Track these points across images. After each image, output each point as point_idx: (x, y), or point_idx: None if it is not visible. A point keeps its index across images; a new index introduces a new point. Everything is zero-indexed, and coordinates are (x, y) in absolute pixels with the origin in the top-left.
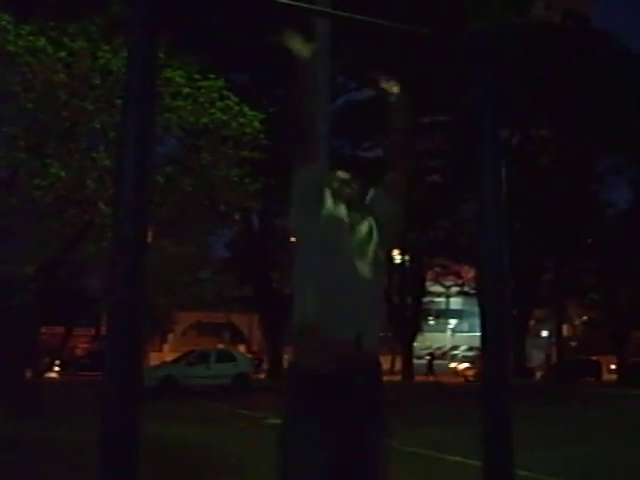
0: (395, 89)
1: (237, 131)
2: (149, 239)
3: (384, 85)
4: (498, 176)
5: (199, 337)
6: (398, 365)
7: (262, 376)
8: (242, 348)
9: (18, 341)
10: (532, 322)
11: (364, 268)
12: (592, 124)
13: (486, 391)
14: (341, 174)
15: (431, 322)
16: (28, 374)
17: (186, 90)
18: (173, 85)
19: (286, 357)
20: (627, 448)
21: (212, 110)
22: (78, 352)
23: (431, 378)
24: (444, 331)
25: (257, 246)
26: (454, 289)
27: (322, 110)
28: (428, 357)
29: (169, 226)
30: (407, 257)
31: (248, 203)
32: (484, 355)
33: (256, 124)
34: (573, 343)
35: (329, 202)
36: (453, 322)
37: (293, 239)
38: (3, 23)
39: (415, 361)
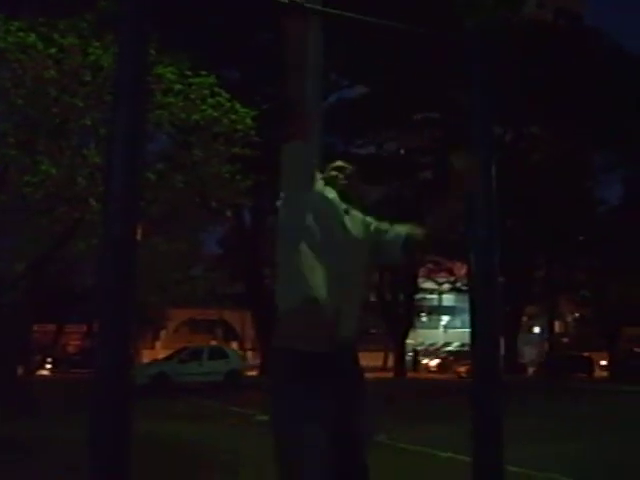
0: (463, 162)
1: (228, 128)
2: (139, 236)
3: (453, 158)
4: (489, 173)
5: (192, 334)
6: (390, 362)
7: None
8: (235, 345)
9: (9, 339)
10: (524, 318)
11: (347, 256)
12: (584, 121)
13: (476, 387)
14: (340, 163)
15: (423, 319)
16: (20, 372)
17: (177, 87)
18: (164, 82)
19: None
20: (618, 444)
21: (203, 107)
22: (70, 349)
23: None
24: (437, 328)
25: (249, 243)
26: (446, 286)
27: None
28: (411, 354)
29: (160, 223)
30: None
31: (239, 200)
32: (474, 351)
33: (248, 121)
34: (565, 339)
35: (319, 184)
36: (446, 319)
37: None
38: None
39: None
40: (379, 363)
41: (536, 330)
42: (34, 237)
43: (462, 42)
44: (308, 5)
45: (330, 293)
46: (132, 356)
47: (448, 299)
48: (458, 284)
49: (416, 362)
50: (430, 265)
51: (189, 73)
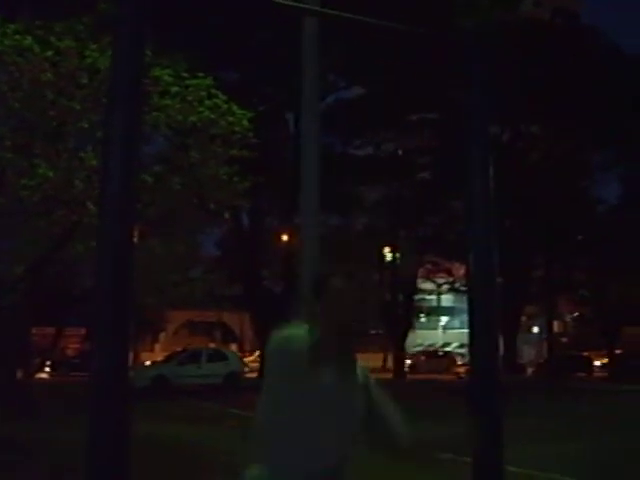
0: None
1: (226, 129)
2: (136, 238)
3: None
4: (486, 173)
5: (190, 336)
6: (390, 362)
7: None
8: (234, 347)
9: (8, 341)
10: (523, 318)
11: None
12: (581, 120)
13: (475, 387)
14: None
15: (422, 319)
16: (19, 374)
17: (174, 89)
18: (161, 84)
19: None
20: (618, 444)
21: (200, 109)
22: (69, 352)
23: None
24: (436, 328)
25: (247, 244)
26: (445, 286)
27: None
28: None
29: (158, 225)
30: (398, 254)
31: (237, 201)
32: (473, 351)
33: (245, 122)
34: (564, 339)
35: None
36: (444, 319)
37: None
38: None
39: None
40: (378, 364)
41: (535, 330)
42: (32, 240)
43: (460, 42)
44: (306, 6)
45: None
46: (130, 358)
47: (447, 300)
48: (457, 284)
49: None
50: (428, 266)
51: (186, 75)
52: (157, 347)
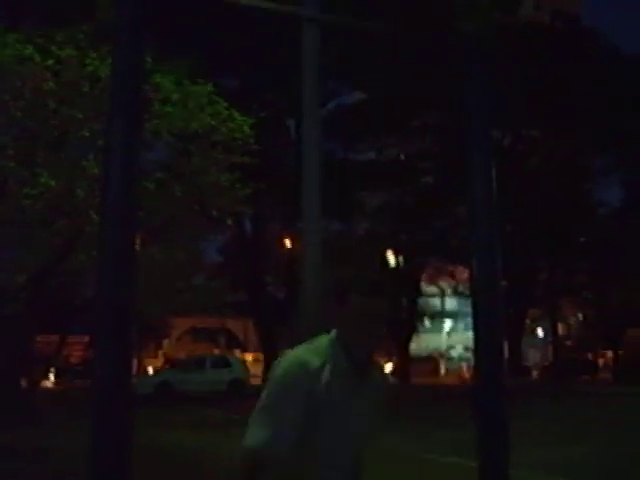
0: None
1: (227, 136)
2: (138, 246)
3: None
4: (489, 177)
5: (194, 343)
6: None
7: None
8: (238, 353)
9: (12, 350)
10: (527, 321)
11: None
12: (582, 123)
13: (480, 391)
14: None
15: (427, 323)
16: (23, 383)
17: (175, 96)
18: (162, 91)
19: None
20: (623, 447)
21: (201, 115)
22: (73, 360)
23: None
24: (440, 332)
25: (250, 250)
26: (449, 290)
27: (314, 115)
28: None
29: (160, 232)
30: (401, 258)
31: (239, 208)
32: (477, 355)
33: (246, 129)
34: (568, 342)
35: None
36: (449, 323)
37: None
38: None
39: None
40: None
41: (539, 333)
42: (35, 249)
43: (460, 45)
44: (306, 13)
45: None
46: (132, 365)
47: (451, 303)
48: (461, 288)
49: None
50: (431, 270)
51: (186, 82)
52: (161, 354)
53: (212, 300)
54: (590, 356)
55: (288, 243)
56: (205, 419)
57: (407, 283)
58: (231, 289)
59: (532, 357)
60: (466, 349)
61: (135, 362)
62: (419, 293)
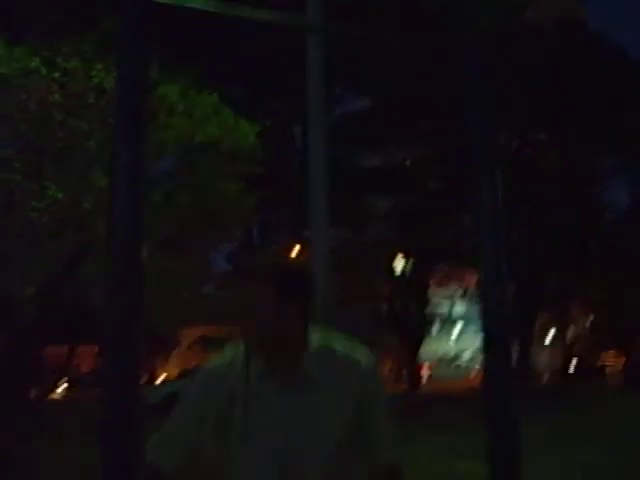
0: None
1: (233, 145)
2: (145, 256)
3: None
4: (494, 183)
5: (204, 352)
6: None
7: None
8: None
9: (22, 361)
10: (537, 325)
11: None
12: (590, 126)
13: (489, 393)
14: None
15: (435, 328)
16: (33, 393)
17: (180, 106)
18: (167, 101)
19: None
20: (638, 451)
21: (207, 125)
22: (83, 369)
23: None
24: (449, 337)
25: None
26: (458, 294)
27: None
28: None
29: (168, 243)
30: (409, 264)
31: (247, 218)
32: (486, 358)
33: (252, 138)
34: (578, 345)
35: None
36: (458, 327)
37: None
38: None
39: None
40: (392, 376)
41: (549, 337)
42: (42, 261)
43: (462, 49)
44: (309, 22)
45: None
46: (140, 374)
47: (460, 308)
48: (469, 292)
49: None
50: (440, 275)
51: (192, 92)
52: (171, 363)
53: (221, 309)
54: (600, 360)
55: (295, 251)
56: None
57: (416, 289)
58: None
59: (542, 361)
60: (475, 353)
61: (147, 372)
62: (428, 298)
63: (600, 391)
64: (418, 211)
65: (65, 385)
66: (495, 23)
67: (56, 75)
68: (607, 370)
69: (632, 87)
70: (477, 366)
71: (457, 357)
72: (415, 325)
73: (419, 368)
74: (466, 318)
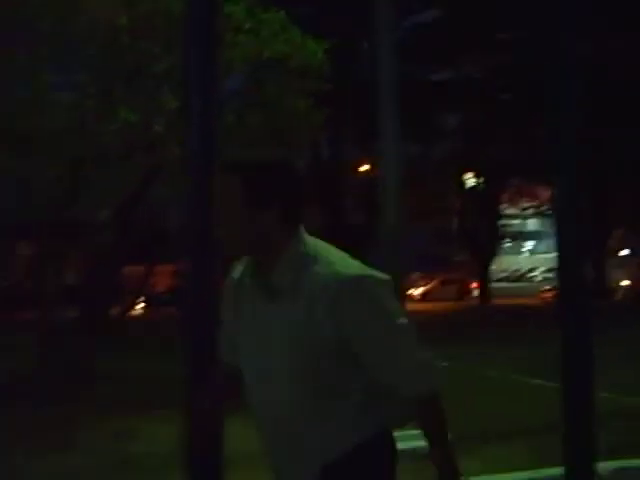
0: None
1: (301, 63)
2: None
3: None
4: (571, 93)
5: None
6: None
7: None
8: None
9: (102, 280)
10: (612, 241)
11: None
12: None
13: (563, 311)
14: None
15: (507, 245)
16: (115, 311)
17: (247, 24)
18: (234, 21)
19: None
20: None
21: (274, 43)
22: (159, 288)
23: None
24: (521, 253)
25: (326, 176)
26: (530, 210)
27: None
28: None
29: None
30: (481, 179)
31: (315, 134)
32: (559, 275)
33: (320, 55)
34: None
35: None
36: (530, 244)
37: None
38: None
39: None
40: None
41: (624, 253)
42: (116, 185)
43: None
44: None
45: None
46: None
47: (533, 224)
48: (542, 208)
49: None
50: (513, 190)
51: (258, 10)
52: None
53: None
54: None
55: (365, 167)
56: None
57: (487, 204)
58: (308, 214)
59: (616, 277)
60: (549, 270)
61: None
62: (499, 214)
63: None
64: (489, 125)
65: (142, 304)
66: None
67: None
68: None
69: None
70: (548, 283)
71: (528, 273)
72: (486, 241)
73: (488, 283)
74: (538, 235)
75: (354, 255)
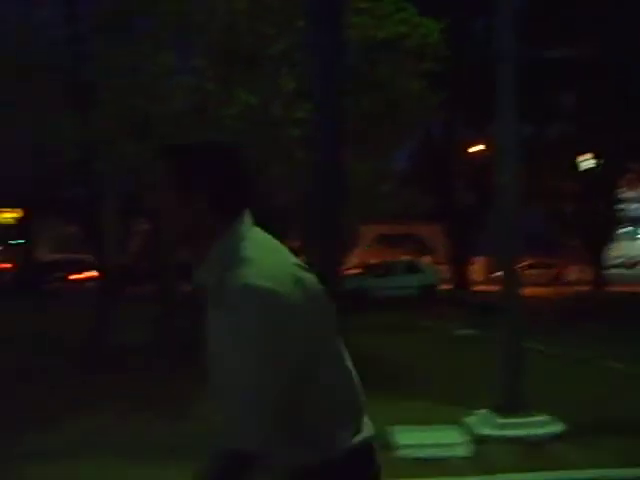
0: None
1: (418, 43)
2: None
3: None
4: None
5: (383, 249)
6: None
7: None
8: (427, 259)
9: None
10: None
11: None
12: None
13: None
14: None
15: (623, 230)
16: None
17: (363, 5)
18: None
19: (472, 267)
20: None
21: (390, 23)
22: None
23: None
24: (638, 239)
25: (439, 156)
26: None
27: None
28: None
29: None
30: (598, 162)
31: (430, 115)
32: None
33: (436, 35)
34: None
35: None
36: None
37: None
38: None
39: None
40: (575, 277)
41: None
42: None
43: None
44: None
45: None
46: (341, 268)
47: None
48: None
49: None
50: (631, 174)
51: None
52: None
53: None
54: None
55: (479, 148)
56: (399, 323)
57: (604, 188)
58: (420, 195)
59: None
60: None
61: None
62: (617, 199)
63: None
64: (607, 106)
65: None
66: None
67: None
68: None
69: None
70: None
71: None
72: (601, 226)
73: (602, 270)
74: None
75: (465, 235)
